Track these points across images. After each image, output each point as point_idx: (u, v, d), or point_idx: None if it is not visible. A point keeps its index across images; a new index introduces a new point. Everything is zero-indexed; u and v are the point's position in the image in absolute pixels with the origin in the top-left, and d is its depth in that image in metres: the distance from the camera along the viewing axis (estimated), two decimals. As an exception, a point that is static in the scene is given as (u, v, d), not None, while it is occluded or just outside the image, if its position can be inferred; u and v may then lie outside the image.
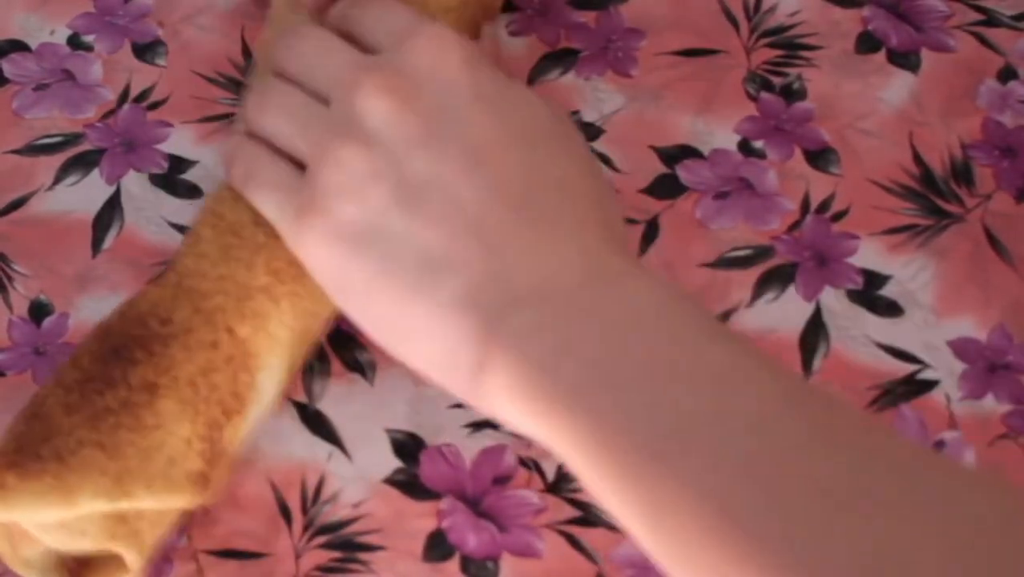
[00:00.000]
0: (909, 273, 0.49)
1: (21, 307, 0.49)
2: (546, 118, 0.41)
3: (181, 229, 0.50)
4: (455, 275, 0.38)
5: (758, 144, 0.52)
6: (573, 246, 0.39)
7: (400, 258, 0.39)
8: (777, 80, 0.54)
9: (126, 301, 0.42)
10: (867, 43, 0.55)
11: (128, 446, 0.39)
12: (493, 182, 0.39)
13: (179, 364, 0.40)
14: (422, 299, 0.38)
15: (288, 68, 0.44)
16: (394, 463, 0.45)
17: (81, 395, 0.40)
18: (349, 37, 0.44)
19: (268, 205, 0.42)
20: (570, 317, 0.37)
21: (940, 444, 0.46)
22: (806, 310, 0.49)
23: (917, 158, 0.52)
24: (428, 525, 0.44)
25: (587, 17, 0.56)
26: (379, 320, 0.40)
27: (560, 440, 0.37)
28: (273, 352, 0.42)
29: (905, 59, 0.54)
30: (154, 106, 0.53)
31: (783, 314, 0.48)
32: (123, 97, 0.54)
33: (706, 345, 0.37)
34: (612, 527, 0.44)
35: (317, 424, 0.46)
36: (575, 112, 0.53)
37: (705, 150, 0.52)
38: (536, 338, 0.37)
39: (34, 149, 0.52)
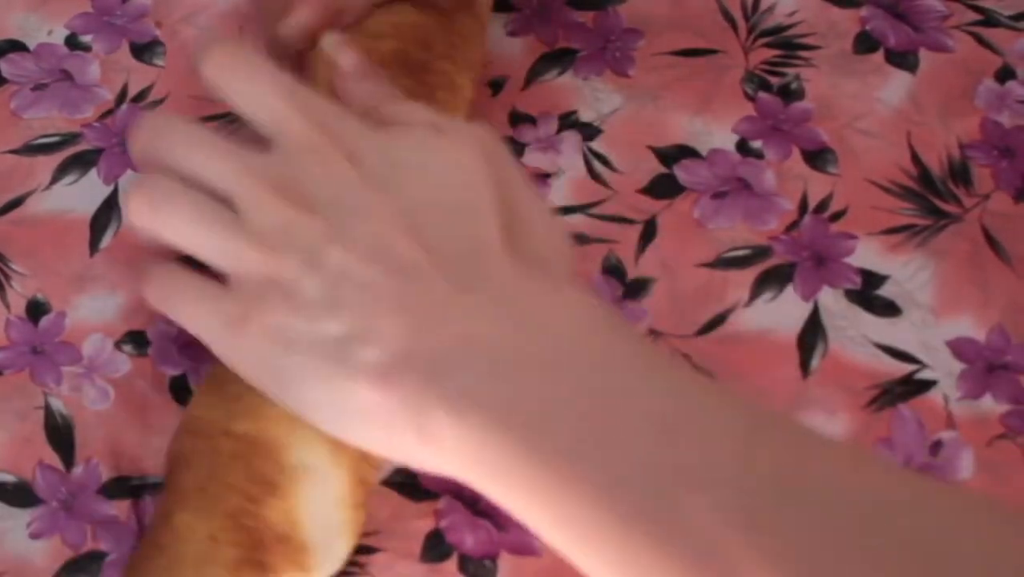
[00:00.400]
0: (907, 273, 0.49)
1: (19, 306, 0.49)
2: (438, 158, 0.42)
3: (179, 229, 0.50)
4: (375, 346, 0.39)
5: (756, 144, 0.52)
6: (483, 292, 0.40)
7: (326, 345, 0.39)
8: (775, 80, 0.54)
9: None
10: (865, 43, 0.55)
11: (154, 572, 0.40)
12: (397, 258, 0.40)
13: (185, 483, 0.41)
14: (349, 376, 0.39)
15: (173, 165, 0.43)
16: (392, 464, 0.45)
17: (131, 566, 0.42)
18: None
19: (194, 322, 0.42)
20: (498, 368, 0.38)
21: (938, 444, 0.46)
22: (804, 310, 0.49)
23: (915, 158, 0.52)
24: (426, 525, 0.44)
25: (585, 17, 0.56)
26: (317, 407, 0.40)
27: (520, 502, 0.38)
28: (292, 431, 0.42)
29: (903, 59, 0.54)
30: (152, 106, 0.53)
31: (781, 314, 0.48)
32: (121, 97, 0.54)
33: (642, 381, 0.38)
34: (610, 527, 0.44)
35: (315, 424, 0.46)
36: (572, 112, 0.53)
37: (703, 150, 0.52)
38: (472, 397, 0.38)
39: (32, 149, 0.52)
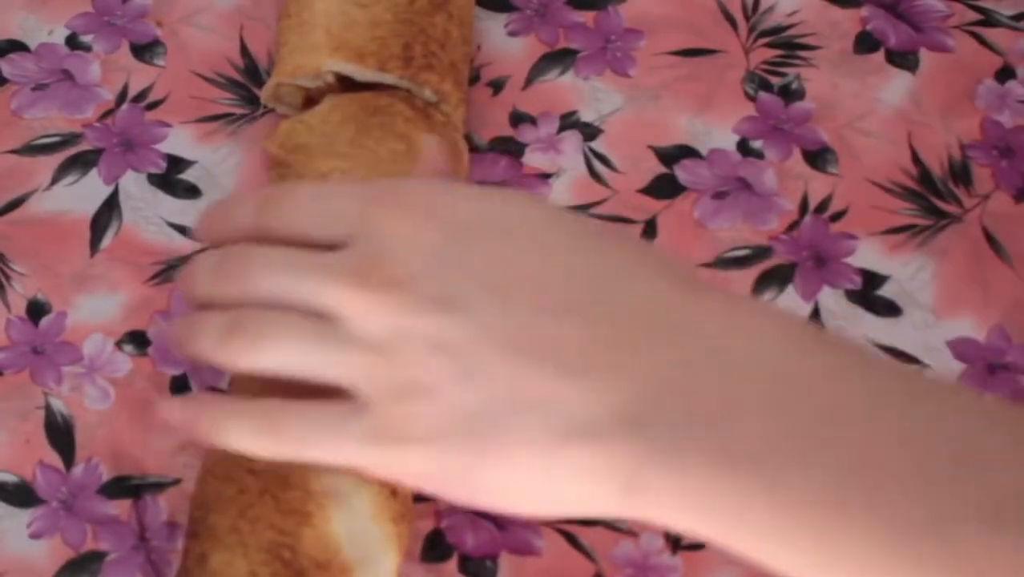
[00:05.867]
0: (908, 273, 0.49)
1: (19, 306, 0.49)
2: (533, 210, 0.39)
3: (179, 229, 0.50)
4: (559, 413, 0.36)
5: (756, 144, 0.52)
6: (649, 315, 0.37)
7: (502, 419, 0.36)
8: (775, 80, 0.54)
9: None
10: (866, 43, 0.55)
11: None
12: (528, 304, 0.37)
13: (217, 525, 0.41)
14: (549, 447, 0.36)
15: (249, 295, 0.40)
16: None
17: None
18: (286, 242, 0.41)
19: (334, 451, 0.38)
20: (703, 409, 0.36)
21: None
22: (805, 310, 0.49)
23: (915, 158, 0.52)
24: (427, 525, 0.44)
25: (586, 17, 0.56)
26: (507, 489, 0.37)
27: (749, 539, 0.36)
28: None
29: (904, 59, 0.54)
30: (152, 106, 0.53)
31: (782, 314, 0.48)
32: (121, 97, 0.53)
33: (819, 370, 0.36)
34: (611, 526, 0.44)
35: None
36: (573, 112, 0.53)
37: (703, 150, 0.52)
38: (687, 443, 0.35)
39: (32, 149, 0.52)
